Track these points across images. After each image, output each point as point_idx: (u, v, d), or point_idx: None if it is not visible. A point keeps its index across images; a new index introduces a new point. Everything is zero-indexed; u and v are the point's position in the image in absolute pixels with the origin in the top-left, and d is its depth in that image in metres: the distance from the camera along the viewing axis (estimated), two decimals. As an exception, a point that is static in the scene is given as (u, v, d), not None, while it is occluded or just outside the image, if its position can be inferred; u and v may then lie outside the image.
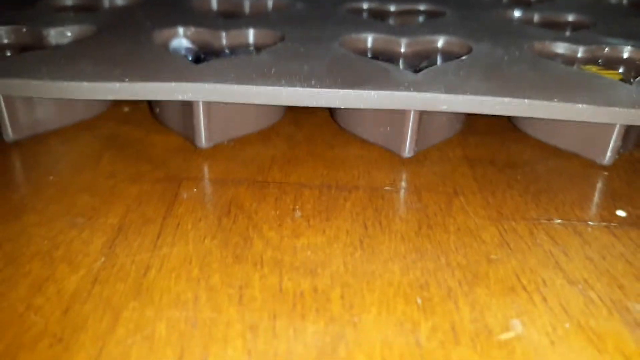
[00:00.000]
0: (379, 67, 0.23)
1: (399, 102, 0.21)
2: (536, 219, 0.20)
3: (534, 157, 0.24)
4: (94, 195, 0.20)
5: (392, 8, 0.37)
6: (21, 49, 0.28)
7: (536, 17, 0.36)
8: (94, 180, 0.21)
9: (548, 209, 0.20)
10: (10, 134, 0.23)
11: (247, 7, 0.37)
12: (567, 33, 0.31)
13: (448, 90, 0.21)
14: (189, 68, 0.22)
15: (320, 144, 0.25)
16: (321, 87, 0.21)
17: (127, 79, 0.21)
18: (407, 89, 0.21)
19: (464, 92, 0.21)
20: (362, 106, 0.21)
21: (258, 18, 0.32)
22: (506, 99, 0.20)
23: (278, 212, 0.20)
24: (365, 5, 0.37)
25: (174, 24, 0.29)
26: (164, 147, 0.24)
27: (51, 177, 0.21)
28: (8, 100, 0.23)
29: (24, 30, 0.28)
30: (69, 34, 0.29)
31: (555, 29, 0.33)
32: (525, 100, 0.21)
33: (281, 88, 0.21)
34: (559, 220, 0.20)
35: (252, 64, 0.23)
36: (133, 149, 0.24)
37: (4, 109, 0.23)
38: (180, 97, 0.21)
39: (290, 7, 0.36)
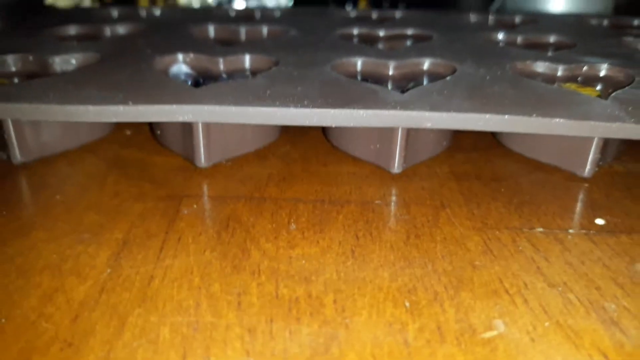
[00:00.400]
0: (368, 88, 0.25)
1: (386, 120, 0.22)
2: (519, 228, 0.21)
3: (518, 171, 0.26)
4: (99, 213, 0.21)
5: (382, 33, 0.38)
6: (28, 76, 0.29)
7: (519, 39, 0.38)
8: (100, 199, 0.22)
9: (530, 219, 0.22)
10: (18, 156, 0.25)
11: (243, 34, 0.39)
12: (549, 53, 0.33)
13: (432, 108, 0.22)
14: (189, 91, 0.24)
15: (314, 162, 0.26)
16: (313, 107, 0.22)
17: (130, 102, 0.22)
18: (394, 107, 0.22)
19: (447, 110, 0.22)
20: (352, 124, 0.22)
21: (253, 45, 0.34)
22: (487, 116, 0.22)
23: (274, 225, 0.21)
24: (355, 31, 0.38)
25: (173, 51, 0.31)
26: (165, 168, 0.25)
27: (58, 197, 0.23)
28: (16, 124, 0.24)
29: (31, 58, 0.30)
30: (73, 61, 0.30)
31: (537, 50, 0.35)
32: (506, 116, 0.22)
33: (276, 109, 0.22)
34: (541, 229, 0.21)
35: (248, 87, 0.24)
36: (136, 169, 0.25)
37: (13, 133, 0.24)
38: (181, 119, 0.22)
39: (284, 34, 0.37)
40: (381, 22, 0.43)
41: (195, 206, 0.22)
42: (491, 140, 0.28)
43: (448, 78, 0.26)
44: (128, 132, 0.29)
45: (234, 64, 0.31)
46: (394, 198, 0.23)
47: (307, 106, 0.22)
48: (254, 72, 0.30)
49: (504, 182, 0.24)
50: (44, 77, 0.26)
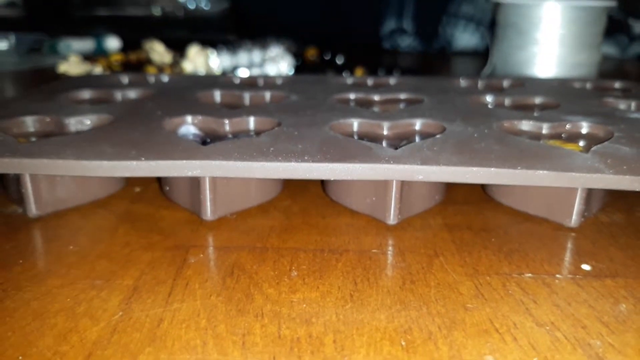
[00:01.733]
0: (363, 145, 0.26)
1: (380, 173, 0.24)
2: (508, 274, 0.22)
3: (507, 222, 0.27)
4: (111, 261, 0.23)
5: (376, 97, 0.41)
6: (45, 136, 0.31)
7: (507, 101, 0.40)
8: (111, 249, 0.24)
9: (519, 265, 0.23)
10: (34, 210, 0.26)
11: (247, 99, 0.41)
12: (534, 113, 0.35)
13: (423, 162, 0.24)
14: (197, 148, 0.25)
15: (314, 215, 0.28)
16: (313, 162, 0.24)
17: (142, 158, 0.24)
18: (388, 162, 0.24)
19: (437, 164, 0.24)
20: (348, 177, 0.24)
21: (257, 108, 0.36)
22: (475, 169, 0.23)
23: (276, 272, 0.22)
24: (352, 96, 0.41)
25: (182, 113, 0.33)
26: (173, 221, 0.27)
27: (72, 247, 0.24)
28: (34, 179, 0.25)
29: (48, 119, 0.32)
30: (88, 122, 0.32)
31: (524, 110, 0.37)
32: (492, 169, 0.23)
33: (278, 163, 0.24)
34: (530, 275, 0.22)
35: (253, 144, 0.26)
36: (145, 222, 0.26)
37: (30, 188, 0.25)
38: (190, 174, 0.24)
39: (286, 99, 0.39)
40: (376, 88, 0.45)
41: (201, 255, 0.23)
42: (482, 194, 0.30)
43: (438, 136, 0.28)
44: (137, 189, 0.31)
45: (239, 125, 0.33)
46: (390, 247, 0.24)
47: (307, 161, 0.24)
48: (258, 133, 0.31)
49: (494, 232, 0.26)
50: (61, 136, 0.28)
